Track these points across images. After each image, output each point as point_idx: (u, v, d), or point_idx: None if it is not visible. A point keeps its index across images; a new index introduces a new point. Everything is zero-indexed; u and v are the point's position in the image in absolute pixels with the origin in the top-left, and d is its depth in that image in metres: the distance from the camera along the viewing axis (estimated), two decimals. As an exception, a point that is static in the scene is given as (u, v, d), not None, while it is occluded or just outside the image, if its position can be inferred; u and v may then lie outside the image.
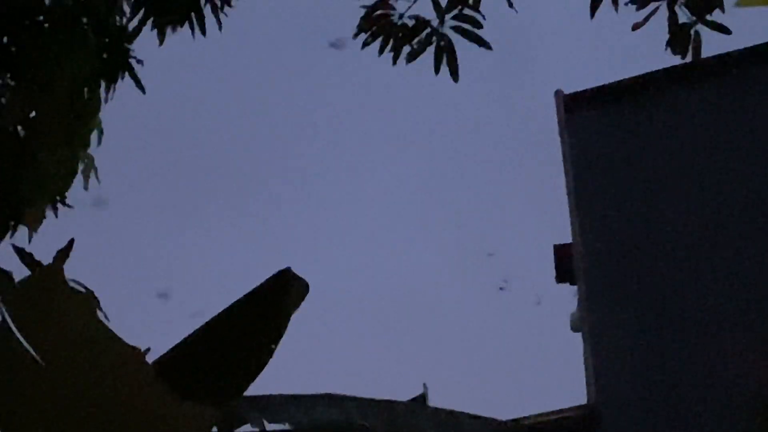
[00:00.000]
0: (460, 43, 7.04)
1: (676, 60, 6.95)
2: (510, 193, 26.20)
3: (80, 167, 7.96)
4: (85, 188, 8.09)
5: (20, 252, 6.08)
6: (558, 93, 16.21)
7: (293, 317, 5.25)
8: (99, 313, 4.55)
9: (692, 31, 6.61)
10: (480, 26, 6.81)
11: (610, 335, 14.85)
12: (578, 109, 16.00)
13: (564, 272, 16.25)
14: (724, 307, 14.02)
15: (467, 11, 6.85)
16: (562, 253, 16.24)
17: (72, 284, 4.65)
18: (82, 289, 4.68)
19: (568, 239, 16.11)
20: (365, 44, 6.86)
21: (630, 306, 14.82)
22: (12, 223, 7.57)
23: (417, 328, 22.50)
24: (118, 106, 7.85)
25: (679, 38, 6.57)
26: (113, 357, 4.54)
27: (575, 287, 15.95)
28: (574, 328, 15.69)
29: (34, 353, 4.70)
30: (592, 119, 15.94)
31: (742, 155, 14.88)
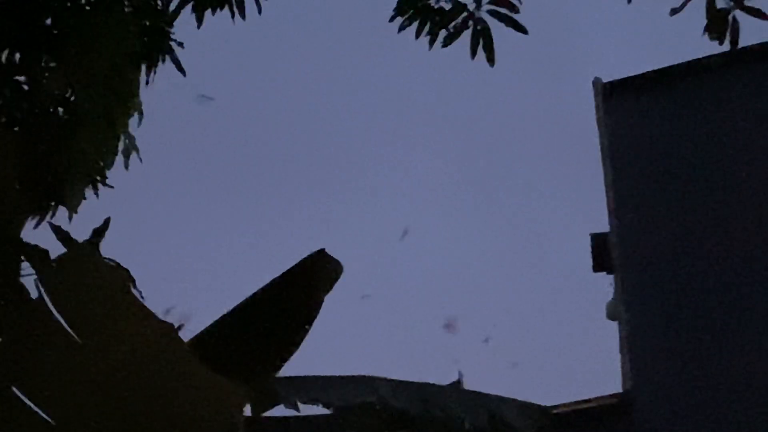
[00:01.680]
0: (497, 30, 7.05)
1: (716, 47, 6.93)
2: (547, 181, 26.14)
3: (120, 147, 8.00)
4: (126, 168, 8.13)
5: (57, 229, 6.12)
6: (596, 81, 16.17)
7: (328, 297, 5.26)
8: (133, 290, 4.58)
9: (730, 17, 6.58)
10: (516, 11, 6.81)
11: (646, 325, 14.81)
12: (616, 97, 15.94)
13: (601, 261, 16.18)
14: (764, 298, 13.94)
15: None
16: (599, 242, 16.18)
17: (107, 261, 4.69)
18: (116, 266, 4.72)
19: (606, 228, 16.06)
20: (401, 28, 6.87)
21: (666, 296, 14.77)
22: (52, 203, 7.62)
23: (453, 314, 22.47)
24: (157, 88, 7.90)
25: (717, 23, 6.54)
26: (147, 333, 4.57)
27: (612, 276, 15.90)
28: (610, 317, 15.65)
29: (69, 329, 4.74)
30: (630, 107, 15.88)
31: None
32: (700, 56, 14.51)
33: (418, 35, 6.85)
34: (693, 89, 15.49)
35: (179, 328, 4.57)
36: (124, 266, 5.00)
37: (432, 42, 6.85)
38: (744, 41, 6.99)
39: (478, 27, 6.85)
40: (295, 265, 5.14)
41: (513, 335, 21.18)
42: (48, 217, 7.72)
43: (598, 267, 16.26)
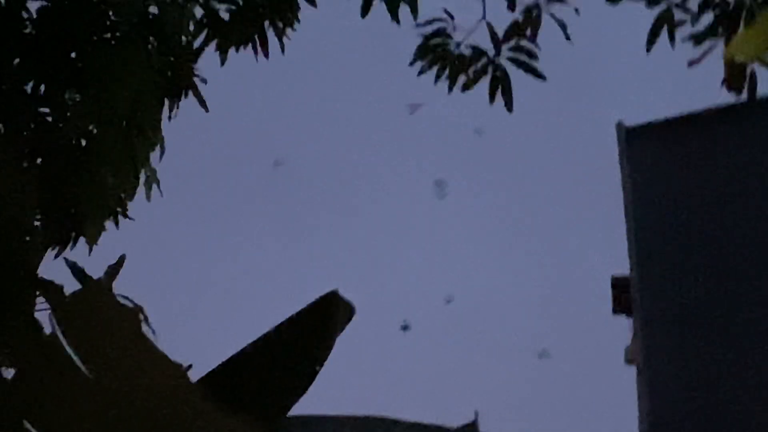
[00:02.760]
0: (522, 74, 7.08)
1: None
2: (570, 222, 26.12)
3: (142, 180, 8.07)
4: (148, 200, 8.19)
5: (72, 266, 6.18)
6: (619, 125, 16.22)
7: (340, 338, 5.29)
8: (145, 328, 4.62)
9: (748, 70, 6.60)
10: (536, 57, 6.85)
11: (664, 369, 14.78)
12: (639, 142, 15.98)
13: (621, 304, 16.20)
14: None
15: (524, 42, 6.89)
16: (620, 284, 16.20)
17: (120, 299, 4.74)
18: (130, 304, 4.76)
19: (627, 271, 16.08)
20: (421, 72, 6.91)
21: (686, 340, 14.75)
22: (72, 235, 7.68)
23: (472, 353, 22.49)
24: (181, 124, 7.96)
25: (735, 76, 6.55)
26: (156, 372, 4.62)
27: (631, 320, 15.90)
28: (629, 361, 15.63)
29: (81, 365, 4.79)
30: (653, 152, 15.90)
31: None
32: (722, 103, 14.55)
33: (437, 79, 6.89)
34: (714, 136, 15.54)
35: (189, 368, 4.62)
36: (138, 303, 5.05)
37: (451, 87, 6.89)
38: (763, 92, 7.02)
39: (497, 73, 6.90)
40: (308, 305, 5.17)
41: (531, 374, 21.17)
42: (68, 249, 7.76)
43: (618, 309, 16.26)
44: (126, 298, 4.91)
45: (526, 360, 22.63)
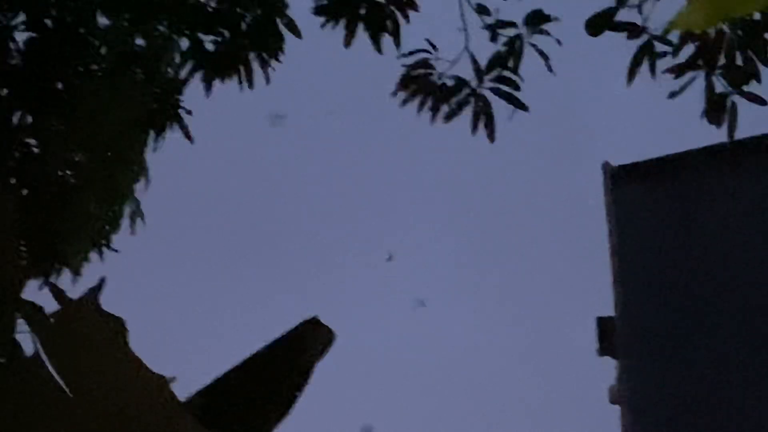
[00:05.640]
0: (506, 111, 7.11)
1: (723, 134, 6.95)
2: (555, 261, 26.14)
3: (126, 212, 8.07)
4: (132, 232, 8.18)
5: (52, 286, 6.17)
6: (605, 165, 16.26)
7: (320, 365, 5.31)
8: (127, 342, 4.63)
9: (728, 101, 6.65)
10: (518, 88, 6.88)
11: (649, 410, 14.77)
12: (624, 182, 16.03)
13: (606, 345, 16.17)
14: (764, 383, 13.92)
15: (506, 73, 6.92)
16: (605, 326, 16.18)
17: (103, 314, 4.74)
18: (112, 317, 4.76)
19: (612, 312, 16.07)
20: (404, 102, 6.94)
21: (671, 382, 14.74)
22: (56, 264, 7.68)
23: (454, 396, 22.45)
24: (166, 155, 7.97)
25: (715, 108, 6.60)
26: (139, 385, 4.63)
27: (616, 361, 15.89)
28: (613, 402, 15.61)
29: (63, 384, 4.79)
30: (638, 192, 15.96)
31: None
32: (710, 143, 14.60)
33: (420, 110, 6.92)
34: (701, 176, 15.58)
35: (172, 379, 4.63)
36: (119, 317, 5.04)
37: (434, 117, 6.92)
38: (749, 129, 7.07)
39: (480, 104, 6.93)
40: (288, 332, 5.19)
41: (516, 415, 21.14)
42: (52, 279, 7.77)
43: (603, 351, 16.24)
44: (107, 313, 4.92)
45: (509, 400, 22.57)
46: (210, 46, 7.47)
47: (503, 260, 25.85)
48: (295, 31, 7.23)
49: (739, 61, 6.69)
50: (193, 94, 7.70)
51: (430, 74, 6.98)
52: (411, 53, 7.06)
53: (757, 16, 6.48)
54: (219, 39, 7.44)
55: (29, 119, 7.51)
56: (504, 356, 24.46)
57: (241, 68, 7.42)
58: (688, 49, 6.72)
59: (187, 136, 7.76)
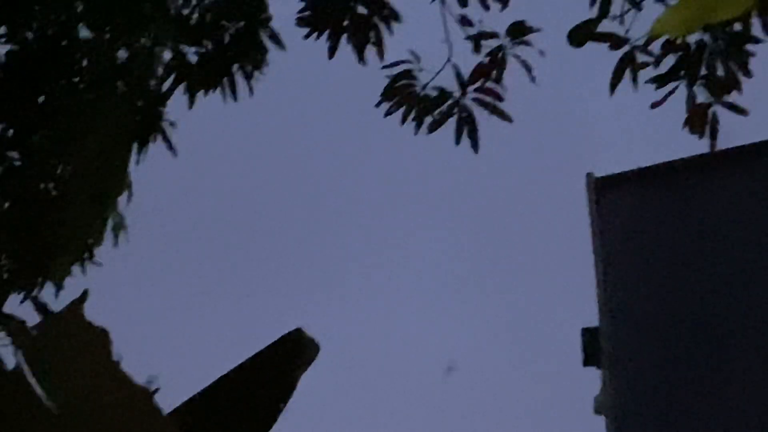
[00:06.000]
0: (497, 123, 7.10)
1: (706, 144, 6.97)
2: (541, 274, 26.19)
3: (110, 225, 8.04)
4: (115, 245, 8.16)
5: (34, 300, 6.17)
6: (589, 176, 16.30)
7: (306, 376, 5.30)
8: (111, 354, 4.61)
9: (710, 111, 6.67)
10: (501, 99, 6.88)
11: (633, 420, 14.79)
12: (608, 192, 16.07)
13: (591, 356, 16.19)
14: (746, 393, 13.96)
15: (489, 84, 6.92)
16: (590, 336, 16.21)
17: (86, 325, 4.72)
18: (96, 329, 4.74)
19: (596, 322, 16.09)
20: (388, 113, 6.93)
21: (655, 393, 14.76)
22: (39, 278, 7.65)
23: (445, 402, 22.46)
24: (149, 167, 7.95)
25: (697, 117, 6.62)
26: (123, 398, 4.61)
27: (600, 371, 15.90)
28: (598, 412, 15.63)
29: (46, 398, 4.78)
30: (621, 203, 16.00)
31: (759, 241, 14.92)
32: (693, 154, 14.64)
33: (404, 121, 6.91)
34: (685, 186, 15.64)
35: (156, 391, 4.61)
36: (103, 328, 5.01)
37: (418, 128, 6.92)
38: (730, 139, 7.08)
39: (463, 114, 6.92)
40: (272, 343, 5.18)
41: (504, 423, 21.14)
42: (34, 293, 7.73)
43: (588, 361, 16.25)
44: (92, 324, 4.90)
45: (496, 412, 22.61)
46: (193, 58, 7.46)
47: (493, 271, 25.88)
48: (278, 42, 7.23)
49: (720, 72, 6.71)
50: (176, 106, 7.69)
51: (414, 85, 6.98)
52: (394, 64, 7.06)
53: (737, 27, 6.50)
54: (202, 51, 7.43)
55: (10, 132, 7.48)
56: (492, 367, 24.50)
57: (225, 80, 7.41)
58: (670, 60, 6.74)
59: (171, 148, 7.75)
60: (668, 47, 6.56)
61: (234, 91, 7.38)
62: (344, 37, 6.96)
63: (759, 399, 13.85)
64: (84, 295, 5.25)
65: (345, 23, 6.91)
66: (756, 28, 6.52)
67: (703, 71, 6.65)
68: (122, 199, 7.91)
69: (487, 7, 6.78)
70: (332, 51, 6.91)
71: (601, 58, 6.67)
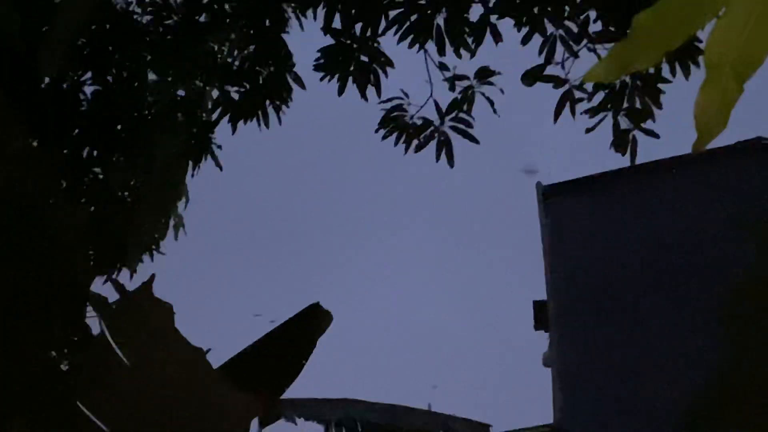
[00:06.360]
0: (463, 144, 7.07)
1: (627, 160, 6.93)
2: (503, 260, 26.20)
3: (171, 224, 8.02)
4: (175, 239, 8.13)
5: (114, 282, 6.13)
6: (538, 184, 16.27)
7: (322, 339, 5.28)
8: (174, 323, 4.59)
9: (631, 135, 6.64)
10: (471, 126, 6.86)
11: (573, 370, 14.78)
12: (553, 197, 16.04)
13: (540, 322, 16.19)
14: (660, 345, 13.94)
15: (462, 115, 6.90)
16: (539, 307, 16.20)
17: (155, 301, 4.70)
18: (161, 304, 4.71)
19: (543, 296, 16.09)
20: (384, 137, 6.91)
21: (590, 348, 14.75)
22: (117, 265, 7.63)
23: (424, 359, 22.47)
24: (201, 179, 7.93)
25: (621, 140, 6.59)
26: (183, 357, 4.59)
27: (546, 333, 15.90)
28: (546, 364, 15.60)
29: (123, 358, 4.75)
30: (564, 204, 15.97)
31: (672, 234, 14.90)
32: (621, 167, 14.62)
33: (396, 143, 6.89)
34: (613, 192, 15.63)
35: (207, 351, 4.60)
36: (167, 303, 4.97)
37: (407, 149, 6.89)
38: (646, 156, 7.05)
39: (442, 138, 6.90)
40: (296, 314, 5.17)
41: (471, 372, 21.12)
42: (114, 276, 7.71)
43: (538, 325, 16.25)
44: (158, 300, 4.88)
45: (468, 362, 22.57)
46: (235, 96, 7.46)
47: (468, 259, 25.90)
48: (300, 83, 7.22)
49: (638, 105, 6.70)
50: (221, 132, 7.68)
51: (404, 116, 6.96)
52: (389, 100, 7.04)
53: (651, 70, 6.48)
54: (242, 90, 7.42)
55: (96, 153, 7.47)
56: (468, 330, 24.55)
57: (259, 112, 7.40)
58: (600, 96, 6.72)
59: (218, 164, 7.74)
60: (598, 86, 6.54)
61: (266, 121, 7.37)
62: (350, 80, 6.94)
63: (667, 343, 13.84)
64: (151, 278, 5.26)
65: (351, 68, 6.89)
66: (665, 71, 6.51)
67: (625, 104, 6.63)
68: (181, 204, 7.90)
69: (460, 56, 6.75)
70: (341, 90, 6.89)
71: (547, 94, 6.65)
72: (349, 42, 6.90)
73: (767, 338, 10.74)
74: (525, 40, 6.61)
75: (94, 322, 5.55)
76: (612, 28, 6.56)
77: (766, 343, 10.77)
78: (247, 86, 7.36)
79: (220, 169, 7.75)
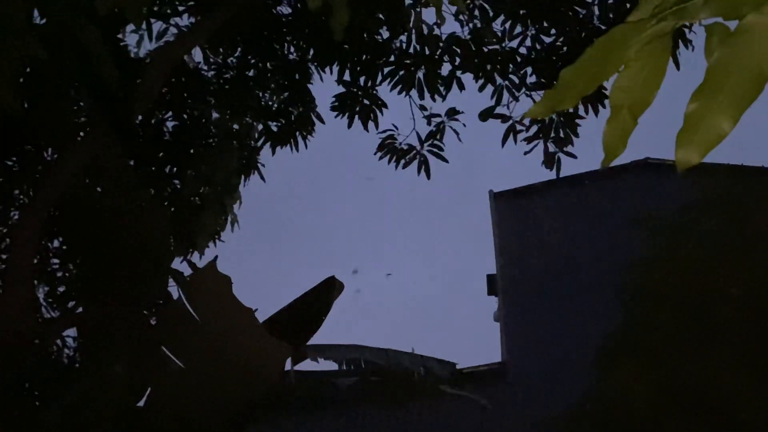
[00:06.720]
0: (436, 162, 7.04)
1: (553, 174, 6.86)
2: (463, 244, 26.30)
3: (229, 220, 8.01)
4: (232, 231, 8.11)
5: (189, 262, 6.07)
6: (491, 191, 16.23)
7: (337, 302, 5.27)
8: (231, 290, 4.60)
9: (556, 156, 6.64)
10: (442, 150, 6.86)
11: (516, 324, 14.75)
12: (502, 201, 15.99)
13: (492, 289, 16.13)
14: (587, 306, 13.87)
15: (436, 141, 6.91)
16: (491, 279, 16.15)
17: (218, 275, 4.69)
18: (223, 277, 4.69)
19: (494, 271, 16.04)
20: (381, 158, 6.92)
21: (529, 307, 14.72)
22: (190, 249, 7.62)
23: (410, 317, 22.46)
24: (250, 187, 7.92)
25: (549, 160, 6.59)
26: (239, 315, 4.59)
27: (497, 297, 15.87)
28: (496, 320, 15.60)
29: (196, 316, 4.75)
30: (509, 206, 15.92)
31: (585, 229, 14.87)
32: (554, 178, 14.51)
33: (389, 161, 6.90)
34: (543, 196, 15.56)
35: (255, 310, 4.61)
36: (227, 276, 4.94)
37: (397, 165, 6.90)
38: (567, 171, 7.03)
39: (422, 158, 6.92)
40: (318, 284, 5.17)
41: (439, 329, 21.13)
42: (188, 257, 7.69)
43: (490, 292, 16.25)
44: (221, 274, 4.88)
45: (445, 319, 22.56)
46: (274, 128, 7.45)
47: (441, 243, 25.90)
48: (321, 119, 7.22)
49: (561, 134, 6.70)
50: (264, 154, 7.66)
51: (394, 142, 6.96)
52: (384, 131, 7.04)
53: (571, 109, 6.49)
54: (279, 124, 7.42)
55: (174, 170, 7.47)
56: (440, 296, 24.62)
57: (291, 140, 7.39)
58: (534, 128, 6.72)
59: (261, 177, 7.74)
60: (534, 121, 6.54)
61: (296, 145, 7.37)
62: (356, 117, 6.94)
63: (585, 306, 13.82)
64: (215, 259, 5.23)
65: (357, 109, 6.90)
66: (581, 110, 6.52)
67: (553, 134, 6.64)
68: (235, 206, 7.90)
69: (434, 100, 6.78)
70: (350, 123, 6.89)
71: (497, 127, 6.65)
72: (355, 90, 6.91)
73: (655, 306, 10.72)
74: (481, 89, 6.63)
75: (174, 290, 5.55)
76: (543, 80, 6.57)
77: (654, 308, 10.75)
78: (282, 121, 7.37)
79: (263, 180, 7.79)
